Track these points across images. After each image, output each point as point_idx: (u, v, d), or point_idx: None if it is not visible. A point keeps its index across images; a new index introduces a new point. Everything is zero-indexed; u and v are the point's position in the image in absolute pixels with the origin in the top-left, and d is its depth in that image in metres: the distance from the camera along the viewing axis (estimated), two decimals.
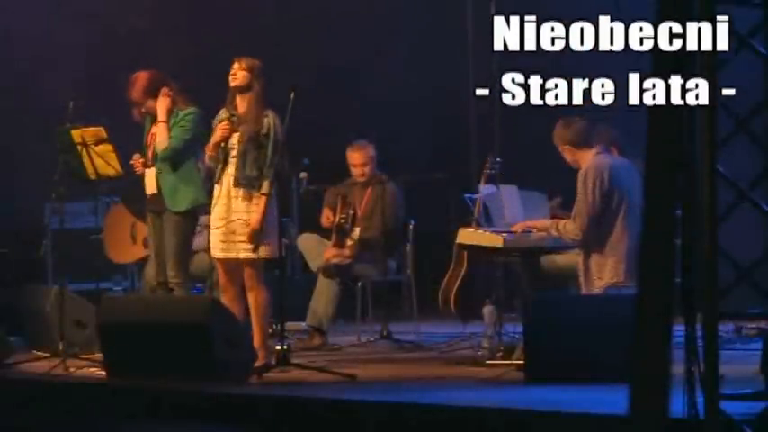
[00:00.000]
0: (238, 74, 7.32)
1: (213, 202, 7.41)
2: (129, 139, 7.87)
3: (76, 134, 7.79)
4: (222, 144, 7.35)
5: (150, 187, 7.62)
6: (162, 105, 7.56)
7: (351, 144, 9.11)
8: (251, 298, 7.31)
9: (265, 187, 7.24)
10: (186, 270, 7.65)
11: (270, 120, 7.30)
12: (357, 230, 8.85)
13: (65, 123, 7.81)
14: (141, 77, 7.62)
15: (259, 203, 7.24)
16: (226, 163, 7.35)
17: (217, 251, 7.39)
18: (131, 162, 7.70)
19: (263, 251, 7.26)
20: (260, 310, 7.30)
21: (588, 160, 7.32)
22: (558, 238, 7.36)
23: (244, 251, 7.26)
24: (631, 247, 7.07)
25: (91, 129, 7.84)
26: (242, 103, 7.36)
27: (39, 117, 9.30)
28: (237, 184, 7.31)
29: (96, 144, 7.81)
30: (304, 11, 10.98)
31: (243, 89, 7.33)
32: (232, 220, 7.29)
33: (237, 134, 7.32)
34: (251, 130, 7.29)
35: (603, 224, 7.21)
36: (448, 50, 10.44)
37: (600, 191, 7.18)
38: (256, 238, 7.21)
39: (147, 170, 7.64)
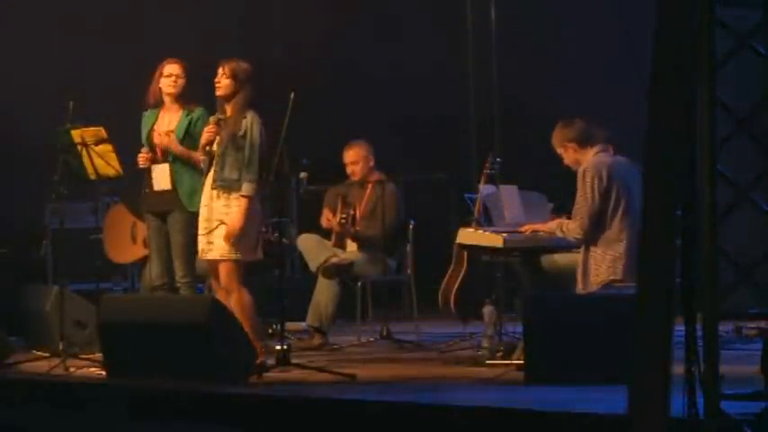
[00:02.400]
0: (222, 82, 7.31)
1: (201, 205, 7.41)
2: (129, 138, 7.88)
3: (76, 134, 7.79)
4: (208, 147, 7.36)
5: (163, 183, 7.62)
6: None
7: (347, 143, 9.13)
8: (232, 300, 7.27)
9: (245, 189, 7.21)
10: (193, 270, 7.66)
11: (248, 121, 7.27)
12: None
13: (65, 123, 7.81)
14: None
15: (239, 205, 7.23)
16: (211, 166, 7.36)
17: (202, 253, 7.41)
18: (140, 155, 7.68)
19: (241, 253, 7.25)
20: (244, 311, 7.27)
21: (587, 159, 7.33)
22: (560, 238, 7.37)
23: (219, 252, 7.27)
24: (631, 245, 7.07)
25: (91, 129, 7.84)
26: (229, 107, 7.36)
27: (39, 117, 9.30)
28: (215, 186, 7.31)
29: (96, 144, 7.81)
30: (304, 11, 10.98)
31: (228, 97, 7.33)
32: (212, 222, 7.30)
33: (219, 137, 7.34)
34: (230, 131, 7.29)
35: (602, 221, 7.22)
36: (448, 50, 10.45)
37: (599, 188, 7.19)
38: (233, 239, 7.21)
39: (156, 166, 7.64)
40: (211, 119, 7.38)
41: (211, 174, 7.33)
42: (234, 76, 7.29)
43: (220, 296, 7.36)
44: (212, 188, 7.32)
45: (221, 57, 7.40)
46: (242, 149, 7.24)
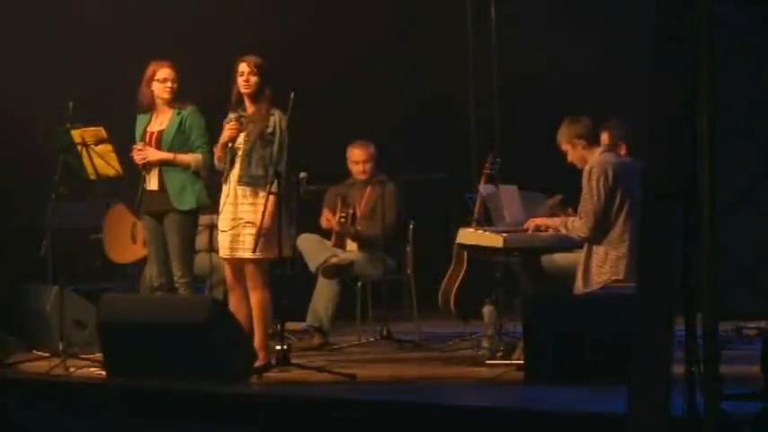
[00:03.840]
0: (250, 80, 7.31)
1: (221, 202, 7.41)
2: (129, 138, 7.87)
3: (76, 134, 7.79)
4: (229, 144, 7.36)
5: (152, 183, 7.63)
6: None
7: (352, 142, 9.11)
8: (253, 298, 7.31)
9: (275, 186, 7.23)
10: (192, 270, 7.66)
11: (276, 118, 7.30)
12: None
13: (65, 123, 7.81)
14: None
15: (266, 201, 7.23)
16: (233, 163, 7.36)
17: (224, 251, 7.40)
18: (136, 148, 7.67)
19: (268, 251, 7.26)
20: (262, 311, 7.31)
21: (593, 158, 7.34)
22: (561, 237, 7.37)
23: (249, 251, 7.26)
24: (634, 245, 7.07)
25: (91, 129, 7.84)
26: (251, 105, 7.36)
27: (39, 117, 9.29)
28: (242, 182, 7.31)
29: (96, 144, 7.81)
30: (304, 11, 10.98)
31: (255, 94, 7.33)
32: (239, 220, 7.30)
33: (244, 134, 7.33)
34: (258, 128, 7.29)
35: (606, 221, 7.22)
36: (448, 50, 10.44)
37: (604, 187, 7.19)
38: (263, 236, 7.20)
39: (149, 165, 7.64)
40: (232, 116, 7.37)
41: (235, 170, 7.34)
42: (260, 72, 7.30)
43: (235, 296, 7.38)
44: (238, 185, 7.33)
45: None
46: (269, 146, 7.28)
